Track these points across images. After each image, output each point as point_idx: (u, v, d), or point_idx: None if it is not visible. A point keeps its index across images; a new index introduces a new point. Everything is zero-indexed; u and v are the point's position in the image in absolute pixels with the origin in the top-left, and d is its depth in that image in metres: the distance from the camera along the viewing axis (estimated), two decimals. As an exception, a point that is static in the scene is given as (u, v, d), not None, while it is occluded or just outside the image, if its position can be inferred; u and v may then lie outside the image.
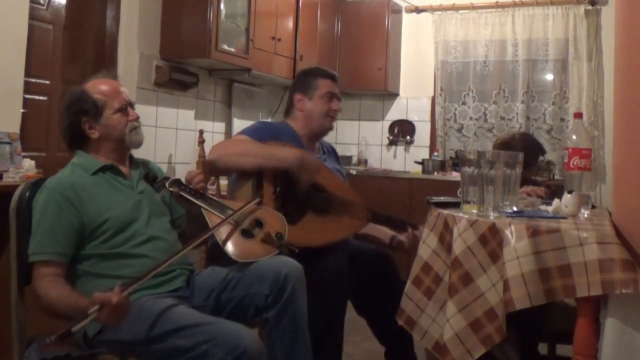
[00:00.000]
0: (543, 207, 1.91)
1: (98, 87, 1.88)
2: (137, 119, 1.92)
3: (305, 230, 2.15)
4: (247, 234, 1.88)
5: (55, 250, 1.70)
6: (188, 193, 1.89)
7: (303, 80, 2.51)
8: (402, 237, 2.42)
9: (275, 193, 2.19)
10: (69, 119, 1.87)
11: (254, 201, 1.96)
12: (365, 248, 2.42)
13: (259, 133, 2.31)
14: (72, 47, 3.42)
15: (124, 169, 1.91)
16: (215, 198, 1.97)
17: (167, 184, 1.88)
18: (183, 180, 1.93)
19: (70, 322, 1.44)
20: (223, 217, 1.86)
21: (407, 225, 2.41)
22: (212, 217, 1.88)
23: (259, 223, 1.91)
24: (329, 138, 2.73)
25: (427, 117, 5.26)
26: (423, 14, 5.24)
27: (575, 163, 1.88)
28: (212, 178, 2.50)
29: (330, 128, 2.52)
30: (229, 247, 1.84)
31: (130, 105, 1.93)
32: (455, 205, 1.88)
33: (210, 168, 2.48)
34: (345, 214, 2.27)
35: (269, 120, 2.63)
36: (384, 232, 2.49)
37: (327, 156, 2.57)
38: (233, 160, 2.22)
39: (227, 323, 1.63)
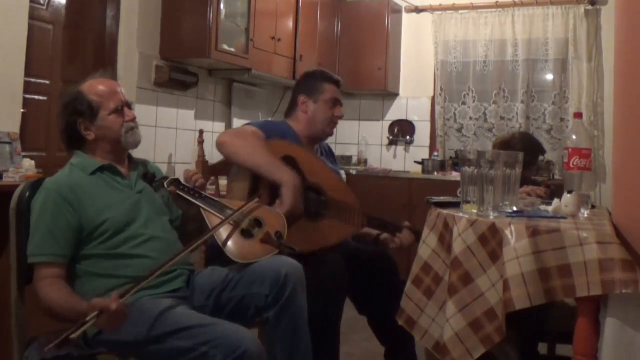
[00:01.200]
0: (543, 207, 1.91)
1: (94, 88, 1.87)
2: (133, 119, 1.90)
3: (294, 237, 2.05)
4: (246, 234, 1.87)
5: (53, 252, 1.70)
6: (186, 193, 1.88)
7: (309, 83, 2.49)
8: (386, 235, 2.40)
9: (270, 197, 2.14)
10: (65, 120, 1.86)
11: (254, 201, 1.95)
12: (365, 248, 2.42)
13: (267, 129, 2.29)
14: (72, 47, 3.42)
15: (122, 169, 1.91)
16: (213, 198, 1.96)
17: (165, 184, 1.87)
18: (182, 180, 1.92)
19: (69, 329, 1.44)
20: (222, 217, 1.86)
21: (402, 227, 2.38)
22: (210, 217, 1.87)
23: (258, 223, 1.90)
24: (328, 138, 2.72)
25: (427, 117, 5.26)
26: (423, 14, 5.24)
27: (575, 163, 1.88)
28: (212, 178, 2.50)
29: (331, 134, 2.51)
30: (229, 248, 1.83)
31: (127, 105, 1.90)
32: (455, 205, 1.88)
33: (209, 167, 2.47)
34: (340, 219, 2.24)
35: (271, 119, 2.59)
36: (369, 230, 2.45)
37: (325, 157, 2.57)
38: (238, 151, 2.17)
39: (227, 324, 1.63)
